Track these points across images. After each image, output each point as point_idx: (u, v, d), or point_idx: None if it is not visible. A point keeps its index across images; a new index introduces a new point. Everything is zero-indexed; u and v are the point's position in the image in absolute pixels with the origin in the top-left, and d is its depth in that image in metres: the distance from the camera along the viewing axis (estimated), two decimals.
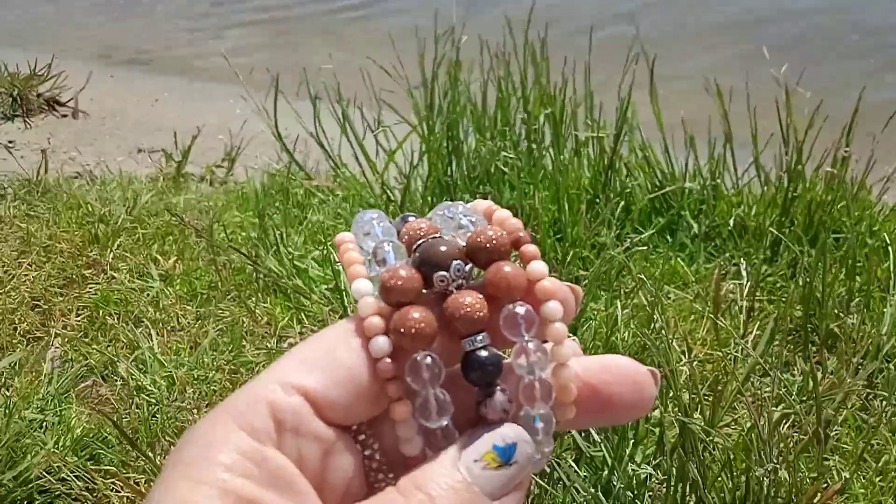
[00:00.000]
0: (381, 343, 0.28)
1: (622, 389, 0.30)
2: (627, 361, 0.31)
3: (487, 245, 0.29)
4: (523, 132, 1.90)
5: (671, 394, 1.11)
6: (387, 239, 0.31)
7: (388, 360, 0.28)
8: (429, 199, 1.90)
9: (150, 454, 1.16)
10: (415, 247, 0.30)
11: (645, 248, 1.65)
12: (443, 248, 0.29)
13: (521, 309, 0.29)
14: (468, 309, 0.29)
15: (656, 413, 1.24)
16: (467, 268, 0.30)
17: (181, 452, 0.26)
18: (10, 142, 2.64)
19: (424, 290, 0.29)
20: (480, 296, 0.29)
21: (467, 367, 0.29)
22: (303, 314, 1.56)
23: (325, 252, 1.74)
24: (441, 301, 0.29)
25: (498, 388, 0.29)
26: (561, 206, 1.63)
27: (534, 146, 1.78)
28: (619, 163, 1.80)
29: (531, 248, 0.30)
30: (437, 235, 0.30)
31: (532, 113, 1.82)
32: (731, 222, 1.82)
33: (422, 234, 0.30)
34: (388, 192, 1.94)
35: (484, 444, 0.28)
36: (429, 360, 0.28)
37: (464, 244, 0.30)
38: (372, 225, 0.32)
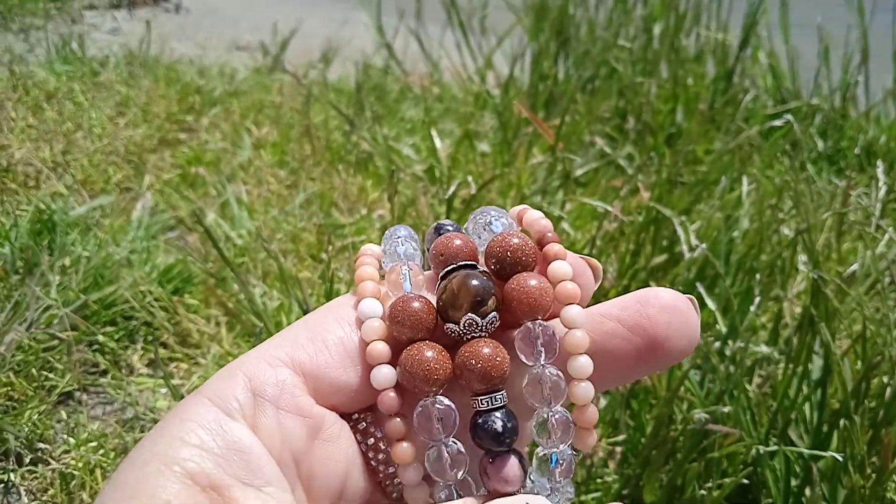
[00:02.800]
0: (385, 374, 0.25)
1: (668, 318, 0.26)
2: (666, 291, 0.27)
3: (509, 254, 0.26)
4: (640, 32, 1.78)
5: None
6: (405, 261, 0.27)
7: (393, 393, 0.25)
8: (528, 102, 1.81)
9: (235, 288, 1.13)
10: (443, 272, 0.26)
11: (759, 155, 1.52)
12: (474, 283, 0.25)
13: (541, 331, 0.25)
14: (488, 364, 0.24)
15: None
16: (496, 318, 0.25)
17: (154, 430, 0.24)
18: (113, 29, 2.66)
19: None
20: (500, 347, 0.25)
21: (479, 431, 0.25)
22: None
23: (417, 143, 1.68)
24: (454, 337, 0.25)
25: (511, 454, 0.25)
26: (677, 104, 1.52)
27: (651, 39, 1.66)
28: (741, 69, 1.67)
29: (556, 248, 0.27)
30: (471, 263, 0.26)
31: (652, 8, 1.70)
32: (859, 145, 1.67)
33: (454, 253, 0.26)
34: (487, 92, 1.86)
35: None
36: (441, 405, 0.25)
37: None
38: (397, 242, 0.28)
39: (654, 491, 0.85)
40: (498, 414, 0.25)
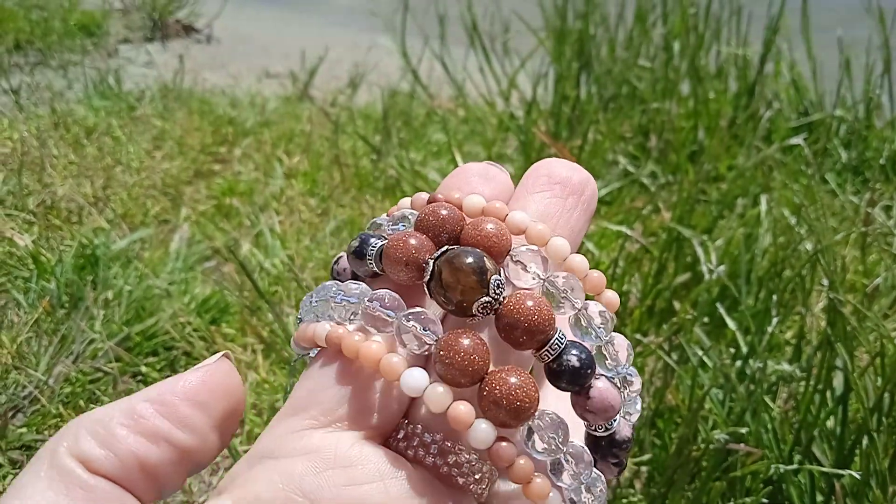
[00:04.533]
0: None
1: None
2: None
3: (446, 224, 0.26)
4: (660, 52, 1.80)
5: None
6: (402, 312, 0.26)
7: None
8: (551, 123, 1.84)
9: (270, 318, 1.17)
10: (429, 272, 0.25)
11: (785, 166, 1.53)
12: (468, 260, 0.25)
13: (525, 249, 0.26)
14: (533, 315, 0.24)
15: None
16: (502, 276, 0.25)
17: None
18: (148, 62, 2.75)
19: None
20: (536, 294, 0.25)
21: (558, 376, 0.25)
22: None
23: (443, 166, 1.72)
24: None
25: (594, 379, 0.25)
26: (699, 120, 1.53)
27: (671, 58, 1.68)
28: (762, 84, 1.68)
29: (456, 196, 0.28)
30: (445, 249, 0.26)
31: (672, 26, 1.72)
32: (884, 155, 1.67)
33: (422, 251, 0.26)
34: (511, 113, 1.90)
35: None
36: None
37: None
38: (337, 296, 0.27)
39: None
40: (572, 351, 0.25)
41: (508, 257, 0.26)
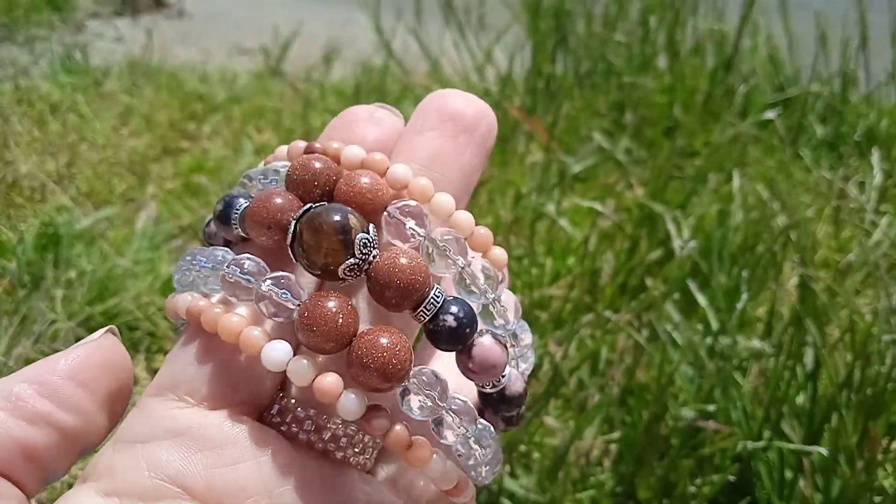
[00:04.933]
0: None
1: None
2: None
3: (310, 174, 0.25)
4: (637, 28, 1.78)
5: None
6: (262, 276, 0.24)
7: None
8: (527, 99, 1.82)
9: None
10: (291, 234, 0.23)
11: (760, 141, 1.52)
12: (331, 218, 0.23)
13: (404, 204, 0.24)
14: (405, 274, 0.23)
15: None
16: (372, 234, 0.24)
17: None
18: (117, 38, 2.69)
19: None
20: (410, 251, 0.23)
21: (435, 337, 0.24)
22: None
23: None
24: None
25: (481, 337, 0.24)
26: (675, 97, 1.52)
27: (648, 33, 1.66)
28: (739, 59, 1.67)
29: (354, 150, 0.26)
30: (310, 206, 0.24)
31: (649, 2, 1.70)
32: (859, 131, 1.66)
33: (285, 210, 0.24)
34: (486, 89, 1.87)
35: None
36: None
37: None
38: (200, 264, 0.25)
39: (647, 488, 0.86)
40: (450, 309, 0.23)
41: (385, 214, 0.24)
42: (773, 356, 0.94)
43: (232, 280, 0.23)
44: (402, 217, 0.24)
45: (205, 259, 0.25)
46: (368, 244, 0.23)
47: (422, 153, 0.27)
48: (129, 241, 1.34)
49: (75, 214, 1.37)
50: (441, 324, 0.23)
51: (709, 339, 0.95)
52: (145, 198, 1.50)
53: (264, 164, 0.28)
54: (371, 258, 0.23)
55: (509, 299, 0.26)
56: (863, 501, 0.78)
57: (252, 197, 0.26)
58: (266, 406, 0.24)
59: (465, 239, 0.25)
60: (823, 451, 0.80)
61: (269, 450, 0.22)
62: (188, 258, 0.26)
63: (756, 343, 0.95)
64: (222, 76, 2.11)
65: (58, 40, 2.40)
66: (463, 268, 0.24)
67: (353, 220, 0.23)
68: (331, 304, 0.22)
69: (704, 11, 1.75)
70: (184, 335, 0.25)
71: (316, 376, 0.22)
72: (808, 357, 0.92)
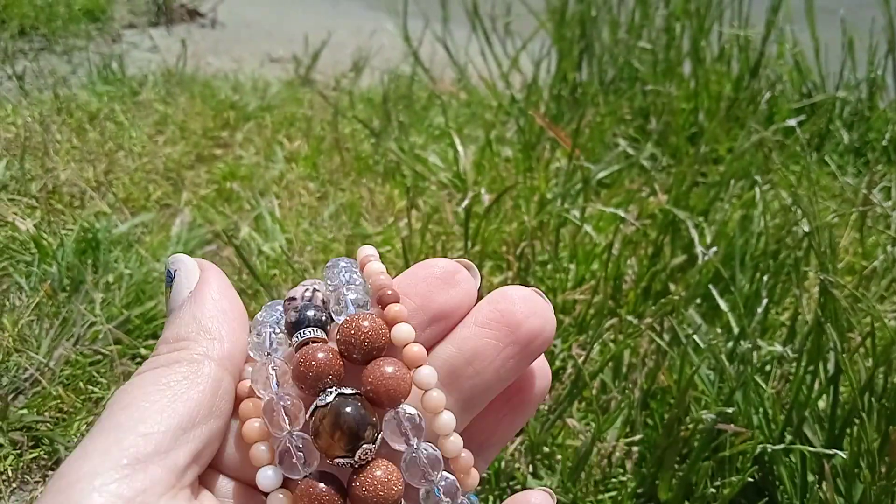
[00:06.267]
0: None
1: (517, 306, 0.29)
2: (512, 287, 0.29)
3: (359, 340, 0.27)
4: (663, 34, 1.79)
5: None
6: (270, 358, 0.28)
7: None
8: (552, 105, 1.84)
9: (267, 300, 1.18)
10: (313, 408, 0.27)
11: (785, 147, 1.52)
12: (349, 422, 0.26)
13: (405, 418, 0.27)
14: (381, 488, 0.26)
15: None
16: (376, 446, 0.27)
17: None
18: (152, 47, 2.76)
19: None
20: (392, 468, 0.27)
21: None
22: (420, 200, 1.55)
23: (444, 149, 1.72)
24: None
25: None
26: (699, 103, 1.53)
27: (673, 39, 1.67)
28: (764, 65, 1.67)
29: (396, 309, 0.28)
30: (343, 393, 0.27)
31: (674, 8, 1.71)
32: (887, 137, 1.66)
33: (320, 373, 0.27)
34: (512, 96, 1.89)
35: None
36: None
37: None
38: (267, 341, 0.29)
39: (668, 489, 0.88)
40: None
41: (392, 414, 0.28)
42: (794, 361, 0.95)
43: (273, 402, 0.27)
44: (403, 428, 0.27)
45: (270, 335, 0.29)
46: (369, 454, 0.27)
47: (468, 345, 0.29)
48: (165, 246, 1.38)
49: (113, 220, 1.41)
50: None
51: (730, 344, 0.97)
52: (180, 204, 1.54)
53: (327, 268, 0.31)
54: (364, 463, 0.27)
55: None
56: None
57: (321, 308, 0.30)
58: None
59: (451, 459, 0.28)
60: (842, 453, 0.80)
61: None
62: (270, 318, 0.30)
63: (778, 347, 0.96)
64: (254, 85, 2.15)
65: (95, 50, 2.47)
66: (434, 484, 0.27)
67: (368, 432, 0.27)
68: (322, 486, 0.26)
69: (729, 18, 1.76)
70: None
71: None
72: (832, 362, 0.93)
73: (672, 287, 1.15)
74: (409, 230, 1.12)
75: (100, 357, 1.10)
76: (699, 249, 1.08)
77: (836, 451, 0.83)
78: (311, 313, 0.29)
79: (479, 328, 0.29)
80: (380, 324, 0.28)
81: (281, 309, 0.30)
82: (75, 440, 0.98)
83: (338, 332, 0.28)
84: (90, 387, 1.06)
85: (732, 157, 1.29)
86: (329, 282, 0.30)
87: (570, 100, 1.75)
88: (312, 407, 0.27)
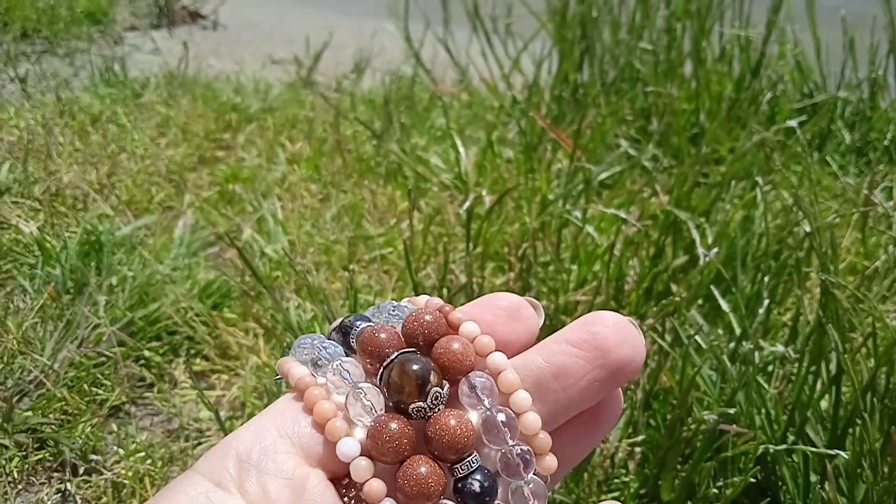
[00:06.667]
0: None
1: (611, 332, 0.29)
2: (608, 313, 0.29)
3: (425, 329, 0.29)
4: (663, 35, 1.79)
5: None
6: (359, 382, 0.29)
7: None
8: (553, 106, 1.84)
9: (271, 302, 1.18)
10: (383, 368, 0.28)
11: (786, 147, 1.53)
12: (414, 367, 0.28)
13: (476, 379, 0.28)
14: (453, 434, 0.27)
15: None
16: (444, 391, 0.28)
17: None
18: (154, 49, 2.77)
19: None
20: (465, 416, 0.28)
21: (461, 494, 0.28)
22: (422, 202, 1.55)
23: (446, 150, 1.72)
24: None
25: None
26: (700, 104, 1.53)
27: (674, 40, 1.67)
28: (765, 65, 1.67)
29: (459, 314, 0.30)
30: (408, 350, 0.29)
31: (675, 8, 1.71)
32: (888, 137, 1.66)
33: (381, 345, 0.29)
34: (513, 97, 1.89)
35: None
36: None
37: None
38: (320, 350, 0.30)
39: (670, 490, 0.88)
40: (477, 476, 0.27)
41: (465, 378, 0.28)
42: (796, 361, 0.95)
43: (336, 374, 0.29)
44: (477, 385, 0.28)
45: (324, 348, 0.30)
46: (439, 397, 0.28)
47: (557, 360, 0.29)
48: (168, 248, 1.39)
49: (116, 223, 1.42)
50: (467, 487, 0.27)
51: (732, 344, 0.97)
52: (183, 206, 1.54)
53: (395, 301, 0.32)
54: (436, 409, 0.28)
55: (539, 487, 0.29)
56: None
57: (370, 322, 0.31)
58: (343, 473, 0.28)
59: (530, 442, 0.28)
60: (843, 454, 0.81)
61: None
62: (313, 341, 0.31)
63: (780, 348, 0.97)
64: (256, 87, 2.16)
65: (97, 53, 2.48)
66: (511, 447, 0.28)
67: (433, 376, 0.28)
68: (394, 425, 0.27)
69: (730, 18, 1.76)
70: (293, 393, 0.29)
71: (370, 478, 0.27)
72: (832, 363, 0.93)
73: (674, 288, 1.16)
74: (411, 232, 1.12)
75: (104, 359, 1.11)
76: (700, 250, 1.08)
77: (838, 451, 0.84)
78: (360, 323, 0.31)
79: (569, 346, 0.29)
80: (440, 317, 0.30)
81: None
82: (79, 441, 0.98)
83: (403, 327, 0.30)
84: (94, 389, 1.06)
85: (734, 158, 1.29)
86: (381, 314, 0.32)
87: (572, 101, 1.75)
88: (381, 370, 0.28)
